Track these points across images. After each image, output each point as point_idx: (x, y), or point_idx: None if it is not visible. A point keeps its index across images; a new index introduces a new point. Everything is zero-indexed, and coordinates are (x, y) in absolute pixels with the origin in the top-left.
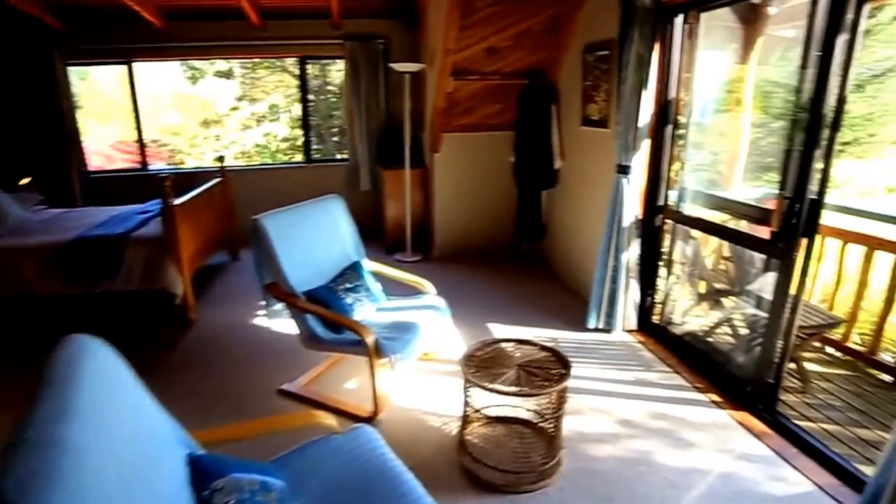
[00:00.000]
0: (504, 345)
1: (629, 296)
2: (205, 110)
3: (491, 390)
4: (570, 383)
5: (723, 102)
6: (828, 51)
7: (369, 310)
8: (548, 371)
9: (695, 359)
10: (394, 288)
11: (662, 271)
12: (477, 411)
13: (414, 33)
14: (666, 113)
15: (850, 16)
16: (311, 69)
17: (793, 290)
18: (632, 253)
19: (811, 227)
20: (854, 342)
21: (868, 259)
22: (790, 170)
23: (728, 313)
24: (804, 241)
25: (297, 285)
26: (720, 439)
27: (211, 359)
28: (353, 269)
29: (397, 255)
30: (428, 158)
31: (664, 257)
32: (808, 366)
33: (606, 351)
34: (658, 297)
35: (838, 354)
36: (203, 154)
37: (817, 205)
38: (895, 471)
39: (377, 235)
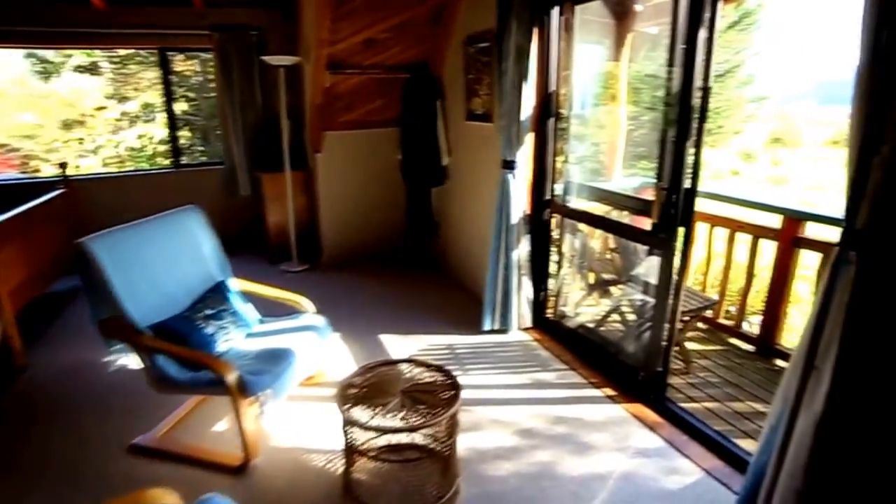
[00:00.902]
0: (387, 367)
1: (522, 293)
2: (66, 110)
3: (370, 428)
4: (467, 394)
5: (601, 96)
6: (691, 44)
7: (237, 338)
8: (436, 395)
9: (589, 352)
10: (273, 307)
11: (554, 265)
12: (357, 451)
13: (290, 24)
14: (548, 106)
15: (707, 13)
16: (190, 64)
17: (675, 279)
18: (522, 249)
19: (688, 217)
20: (724, 317)
21: (731, 240)
22: (665, 161)
23: (617, 302)
24: (682, 231)
25: (141, 318)
26: (617, 437)
27: (43, 416)
28: (217, 292)
29: (283, 266)
30: (311, 159)
31: (554, 251)
32: (689, 345)
33: (503, 353)
34: (551, 292)
35: (709, 328)
36: (64, 160)
37: (692, 194)
38: (773, 451)
39: (262, 244)
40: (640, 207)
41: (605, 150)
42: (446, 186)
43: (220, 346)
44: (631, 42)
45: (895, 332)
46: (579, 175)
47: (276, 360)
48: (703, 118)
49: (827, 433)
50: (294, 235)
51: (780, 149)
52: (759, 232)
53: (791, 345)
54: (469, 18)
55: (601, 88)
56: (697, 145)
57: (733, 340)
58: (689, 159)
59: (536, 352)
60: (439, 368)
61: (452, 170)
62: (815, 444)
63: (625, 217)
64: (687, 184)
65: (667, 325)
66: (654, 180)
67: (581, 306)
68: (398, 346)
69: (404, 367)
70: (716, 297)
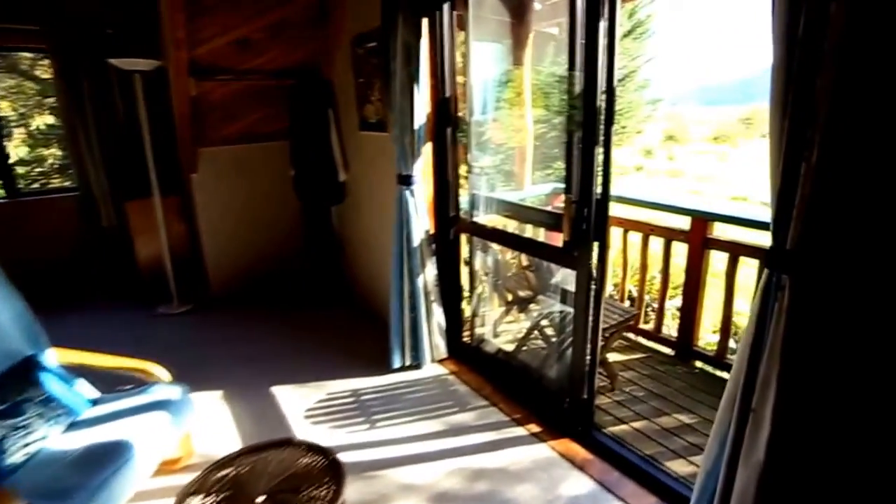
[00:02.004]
0: (251, 457)
1: (433, 322)
2: None
3: None
4: (373, 455)
5: (504, 100)
6: (592, 40)
7: (52, 434)
8: (311, 492)
9: (511, 381)
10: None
11: (466, 286)
12: None
13: (151, 21)
14: (445, 112)
15: (606, 7)
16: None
17: (593, 299)
18: (428, 273)
19: (602, 230)
20: (644, 322)
21: (645, 244)
22: (573, 170)
23: (536, 319)
24: (597, 245)
25: None
26: (545, 486)
27: None
28: (20, 375)
29: (160, 308)
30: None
31: (467, 270)
32: (612, 356)
33: (415, 395)
34: (466, 316)
35: (632, 336)
36: None
37: (604, 205)
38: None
39: (134, 285)
40: (551, 222)
41: (514, 157)
42: (347, 204)
43: (16, 455)
44: (533, 42)
45: (842, 369)
46: (486, 187)
47: (103, 462)
48: (609, 120)
49: (772, 487)
50: (172, 271)
51: (674, 145)
52: (670, 235)
53: (707, 345)
54: (357, 15)
55: (504, 92)
56: (606, 150)
57: (654, 345)
58: (599, 170)
59: (453, 388)
60: (320, 450)
61: (351, 186)
62: (760, 499)
63: (538, 232)
64: (598, 194)
65: (588, 350)
66: (565, 187)
67: (500, 326)
68: (293, 399)
69: (276, 451)
70: (633, 288)
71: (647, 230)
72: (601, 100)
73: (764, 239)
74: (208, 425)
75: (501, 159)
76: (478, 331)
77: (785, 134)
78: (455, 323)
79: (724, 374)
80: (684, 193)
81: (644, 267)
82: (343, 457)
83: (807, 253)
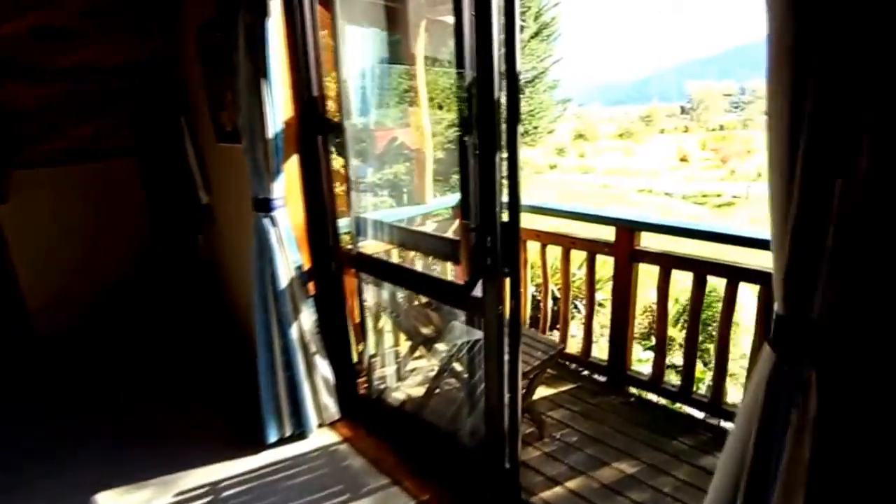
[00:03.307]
0: None
1: (318, 379)
2: None
3: None
4: None
5: (394, 99)
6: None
7: None
8: None
9: (418, 443)
10: None
11: (360, 326)
12: None
13: None
14: (312, 115)
15: None
16: None
17: (507, 347)
18: (304, 320)
19: (512, 259)
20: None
21: (566, 259)
22: (470, 189)
23: (446, 355)
24: (508, 281)
25: None
26: None
27: None
28: None
29: None
30: None
31: (358, 310)
32: (539, 392)
33: (295, 480)
34: (361, 364)
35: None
36: None
37: (513, 228)
38: None
39: None
40: (449, 251)
41: (413, 167)
42: (214, 231)
43: None
44: (427, 32)
45: None
46: (375, 205)
47: None
48: (514, 118)
49: None
50: None
51: (584, 143)
52: (594, 248)
53: (639, 361)
54: None
55: (393, 90)
56: (512, 156)
57: (584, 370)
58: (503, 180)
59: (346, 463)
60: None
61: (217, 209)
62: None
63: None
64: (504, 205)
65: (507, 413)
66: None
67: (406, 367)
68: None
69: None
70: (556, 289)
71: (568, 244)
72: (500, 91)
73: (695, 249)
74: None
75: (400, 170)
76: (380, 374)
77: (804, 131)
78: (347, 375)
79: (662, 401)
80: (597, 188)
81: (567, 285)
82: None
83: (849, 328)
